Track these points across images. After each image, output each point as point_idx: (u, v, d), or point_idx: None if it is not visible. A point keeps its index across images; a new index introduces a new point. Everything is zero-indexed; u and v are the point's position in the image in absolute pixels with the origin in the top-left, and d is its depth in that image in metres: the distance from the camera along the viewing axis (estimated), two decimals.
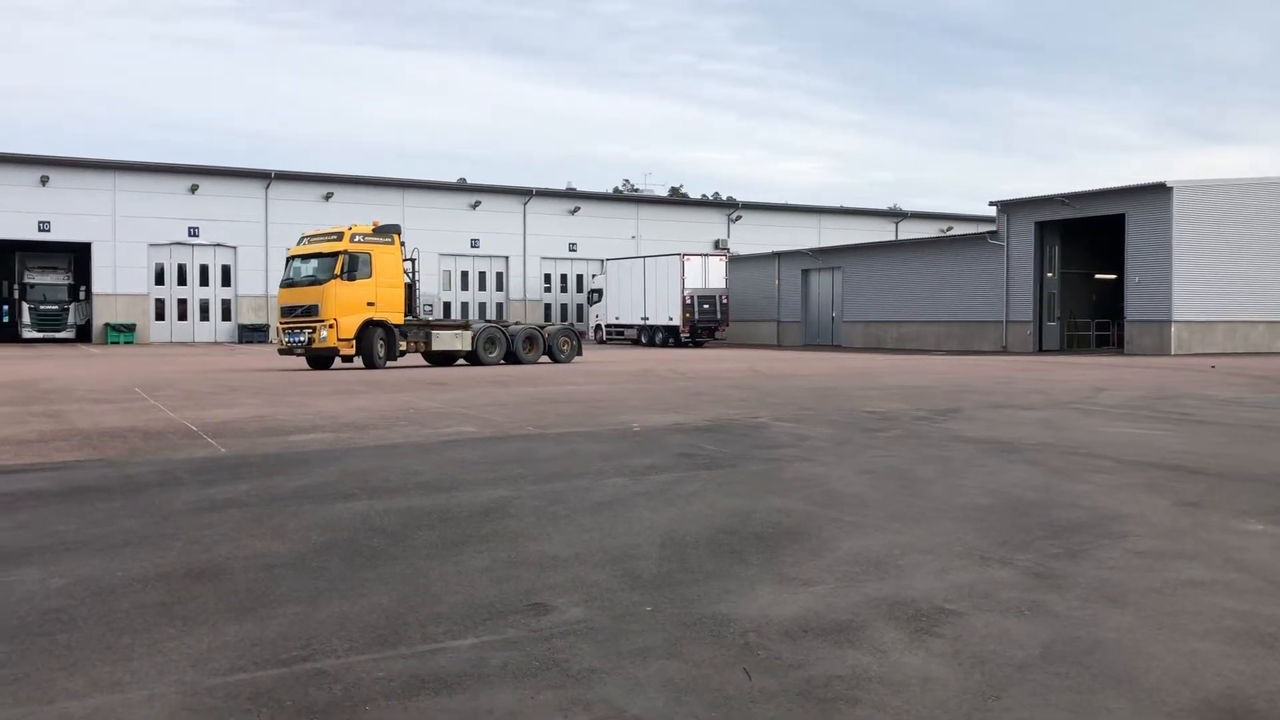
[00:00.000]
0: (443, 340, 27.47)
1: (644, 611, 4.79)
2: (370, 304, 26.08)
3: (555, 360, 29.10)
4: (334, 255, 25.88)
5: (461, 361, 28.24)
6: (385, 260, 26.76)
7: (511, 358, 28.40)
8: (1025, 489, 8.05)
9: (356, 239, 26.43)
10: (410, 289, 27.95)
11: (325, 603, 4.93)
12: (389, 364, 26.45)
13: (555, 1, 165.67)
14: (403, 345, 26.70)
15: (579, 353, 30.27)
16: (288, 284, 26.87)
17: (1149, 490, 8.01)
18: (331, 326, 25.41)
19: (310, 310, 25.80)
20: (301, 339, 25.75)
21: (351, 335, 25.61)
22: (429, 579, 5.36)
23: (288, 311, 26.45)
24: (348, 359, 26.00)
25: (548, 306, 58.04)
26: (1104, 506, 7.33)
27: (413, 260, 28.32)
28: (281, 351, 26.89)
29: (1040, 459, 9.66)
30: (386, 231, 27.33)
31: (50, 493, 7.98)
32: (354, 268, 25.89)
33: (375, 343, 25.93)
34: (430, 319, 28.02)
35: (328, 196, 51.07)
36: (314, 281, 25.99)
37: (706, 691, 3.80)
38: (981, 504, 7.43)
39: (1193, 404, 15.57)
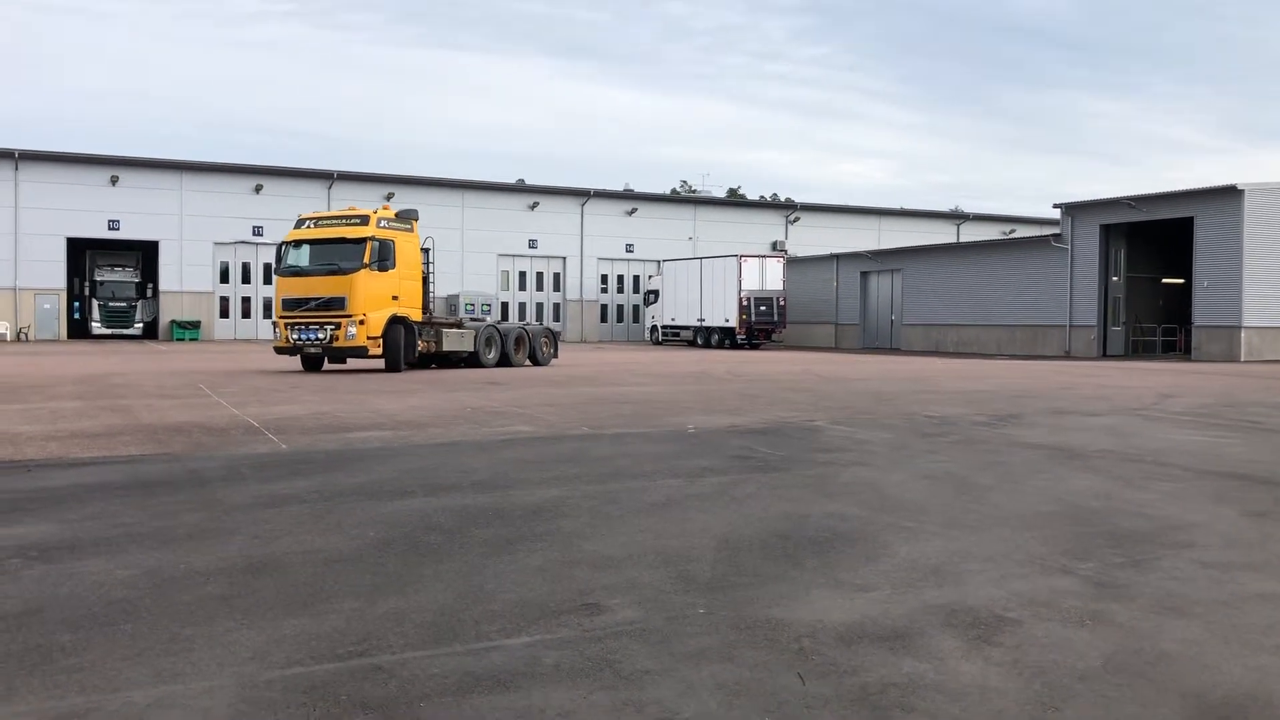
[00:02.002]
0: (451, 340, 25.35)
1: (698, 614, 4.78)
2: (395, 298, 23.69)
3: (535, 362, 27.58)
4: (360, 241, 23.15)
5: (434, 365, 25.76)
6: (406, 249, 24.33)
7: (503, 359, 26.56)
8: (1088, 496, 7.90)
9: (383, 224, 23.86)
10: (426, 282, 25.61)
11: (382, 599, 4.98)
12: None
13: (615, 4, 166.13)
14: (421, 345, 24.55)
15: (555, 355, 28.90)
16: (293, 272, 23.70)
17: (1216, 500, 7.82)
18: (362, 323, 22.73)
19: (331, 303, 22.96)
20: (319, 336, 22.95)
21: (379, 333, 23.17)
22: (484, 577, 5.39)
23: (294, 304, 23.38)
24: (337, 359, 23.92)
25: (604, 307, 58.21)
26: (1169, 515, 7.17)
27: (428, 250, 25.83)
28: (281, 349, 23.90)
29: (1103, 466, 9.48)
30: (405, 218, 24.91)
31: (117, 485, 8.15)
32: (384, 256, 23.37)
33: (401, 341, 23.62)
34: (438, 318, 26.04)
35: (389, 196, 51.60)
36: (335, 270, 23.10)
37: (760, 696, 3.77)
38: (1042, 511, 7.30)
39: (1262, 412, 15.19)
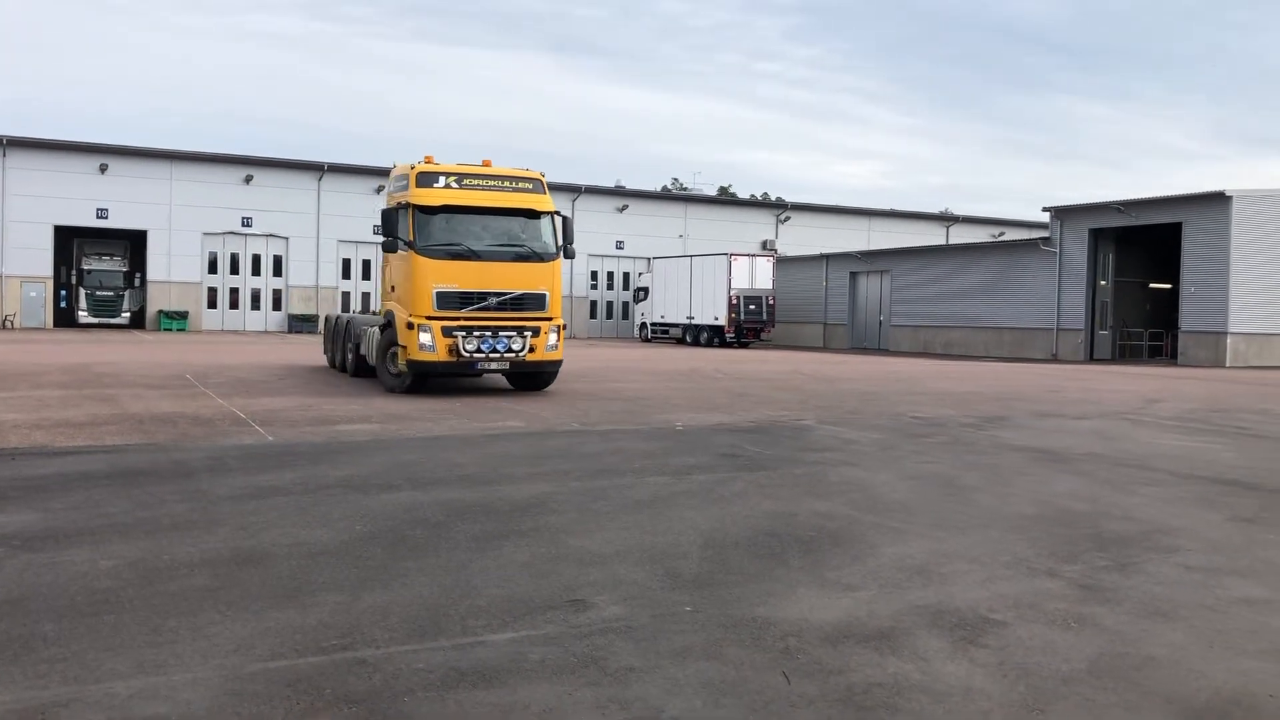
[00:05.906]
0: None
1: (684, 611, 4.77)
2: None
3: None
4: (542, 215, 16.41)
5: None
6: None
7: None
8: (1074, 499, 7.93)
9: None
10: None
11: (367, 592, 4.96)
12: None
13: (613, 0, 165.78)
14: None
15: None
16: (458, 254, 15.66)
17: (1202, 504, 7.85)
18: (564, 327, 16.64)
19: (524, 301, 15.92)
20: (513, 347, 15.67)
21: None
22: (469, 572, 5.37)
23: (463, 300, 15.56)
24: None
25: (593, 303, 58.15)
26: (1155, 520, 7.20)
27: None
28: (431, 366, 15.53)
29: (1090, 469, 9.51)
30: None
31: (102, 475, 8.11)
32: (569, 239, 16.56)
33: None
34: None
35: (379, 189, 51.52)
36: (525, 255, 16.06)
37: (745, 694, 3.77)
38: (1028, 514, 7.32)
39: (1249, 418, 15.25)
